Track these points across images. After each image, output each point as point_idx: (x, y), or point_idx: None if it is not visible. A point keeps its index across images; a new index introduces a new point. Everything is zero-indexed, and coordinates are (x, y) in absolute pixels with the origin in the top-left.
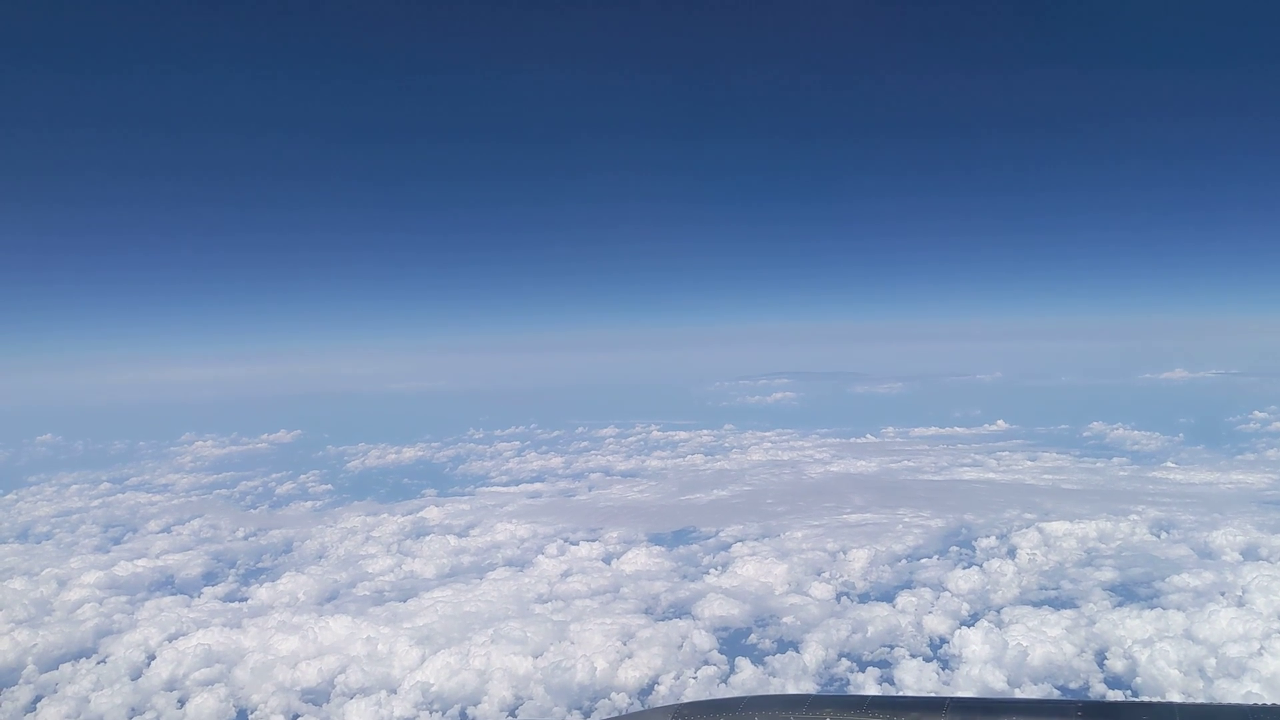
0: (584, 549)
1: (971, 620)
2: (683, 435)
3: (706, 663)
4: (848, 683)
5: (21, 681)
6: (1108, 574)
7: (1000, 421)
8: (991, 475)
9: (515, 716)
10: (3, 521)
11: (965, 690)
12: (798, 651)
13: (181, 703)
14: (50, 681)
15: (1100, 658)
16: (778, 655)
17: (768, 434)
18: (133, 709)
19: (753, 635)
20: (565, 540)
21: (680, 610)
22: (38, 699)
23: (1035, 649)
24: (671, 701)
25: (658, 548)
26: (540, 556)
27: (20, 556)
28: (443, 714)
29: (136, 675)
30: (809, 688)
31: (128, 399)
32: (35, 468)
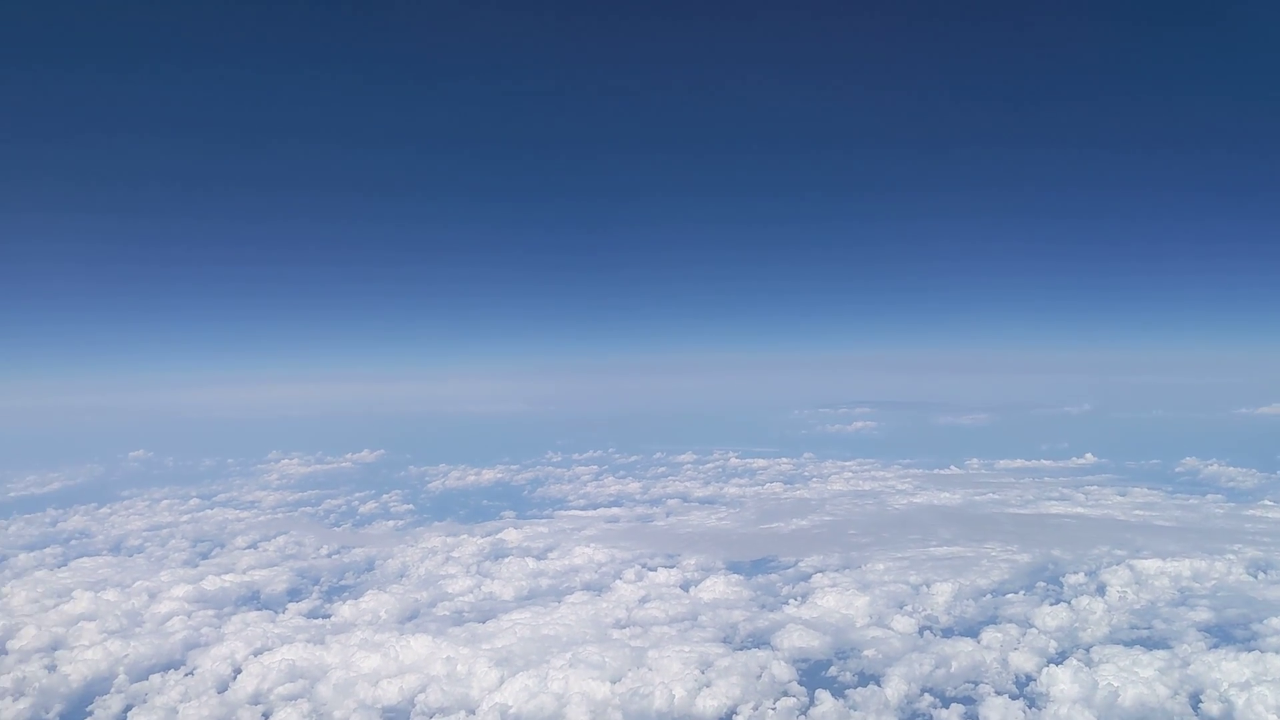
0: (662, 575)
1: (1059, 658)
2: (761, 463)
3: (786, 694)
4: (930, 719)
5: (113, 690)
6: (1203, 614)
7: (1089, 455)
8: (1080, 510)
9: None
10: (97, 534)
11: None
12: (879, 685)
13: (266, 716)
14: (140, 691)
15: (1195, 701)
16: (859, 689)
17: (848, 463)
18: None
19: (833, 667)
20: (643, 566)
21: (759, 640)
22: (128, 708)
23: (1126, 690)
24: None
25: (736, 576)
26: (618, 581)
27: (113, 568)
28: None
29: (223, 688)
30: None
31: (217, 417)
32: (128, 482)
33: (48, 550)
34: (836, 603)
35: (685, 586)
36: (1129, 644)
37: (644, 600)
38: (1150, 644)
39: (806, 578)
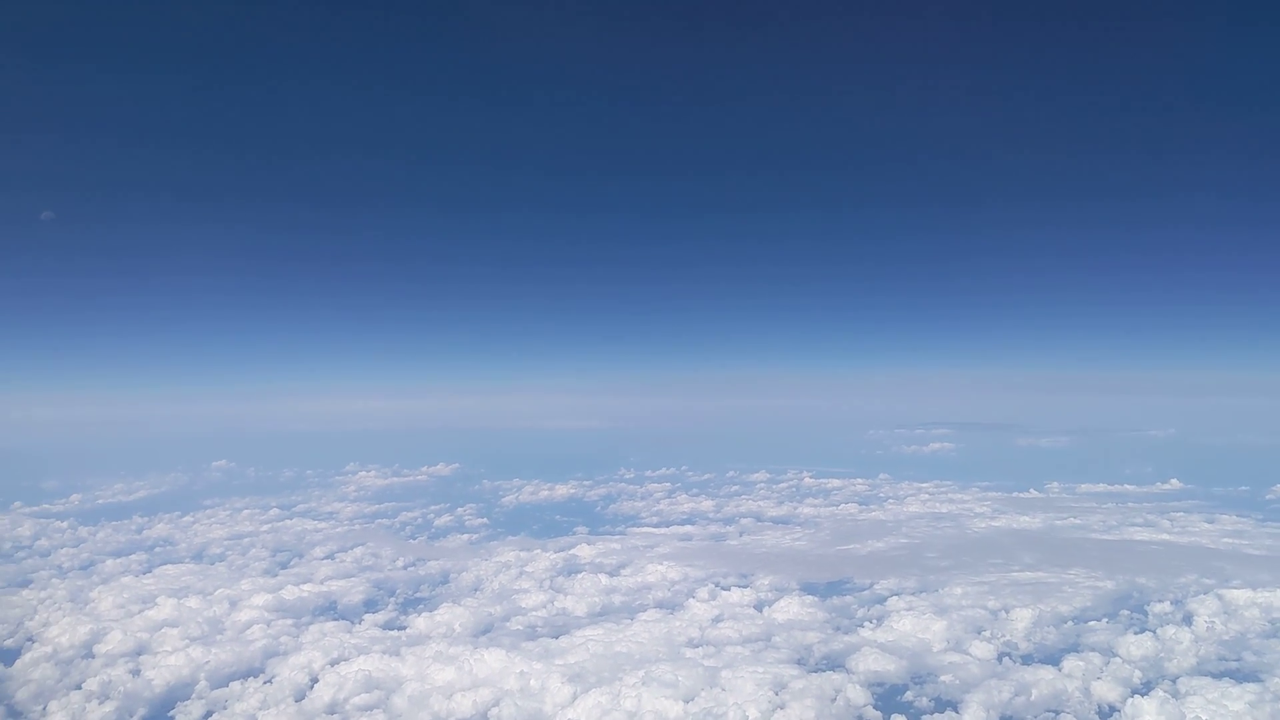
0: (735, 595)
1: (1144, 689)
2: (836, 483)
3: (861, 718)
4: None
5: (194, 696)
6: None
7: (1174, 480)
8: (1165, 536)
9: None
10: (180, 542)
11: None
12: (956, 711)
13: None
14: (220, 698)
15: None
16: (935, 715)
17: (925, 485)
18: None
19: (909, 692)
20: (716, 585)
21: (834, 663)
22: (208, 714)
23: None
24: None
25: (810, 597)
26: (691, 600)
27: (195, 576)
28: None
29: (300, 697)
30: None
31: (296, 429)
32: (211, 492)
33: (133, 557)
34: (913, 626)
35: (759, 607)
36: (1217, 676)
37: (717, 619)
38: (1240, 676)
39: (882, 600)
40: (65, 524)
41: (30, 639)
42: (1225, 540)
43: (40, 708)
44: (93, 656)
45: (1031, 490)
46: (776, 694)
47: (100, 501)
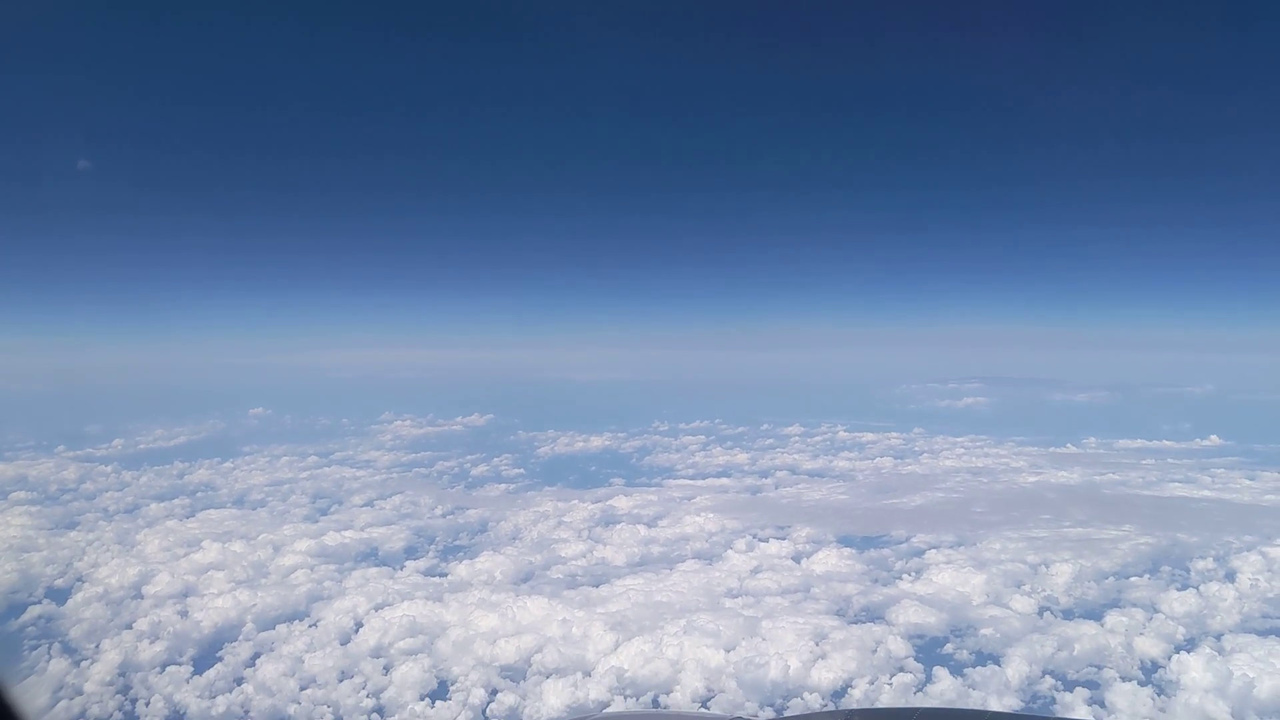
0: (773, 546)
1: (1188, 646)
2: (870, 437)
3: (902, 669)
4: (1054, 701)
5: (241, 638)
6: None
7: (1214, 437)
8: (1206, 493)
9: (708, 708)
10: (221, 488)
11: None
12: (999, 665)
13: (387, 670)
14: (267, 640)
15: None
16: (977, 668)
17: (960, 439)
18: (342, 672)
19: (949, 645)
20: (754, 536)
21: (873, 615)
22: (256, 655)
23: (1263, 681)
24: (866, 706)
25: (848, 549)
26: (729, 551)
27: (238, 521)
28: (636, 700)
29: (345, 640)
30: (1013, 704)
31: (331, 378)
32: (249, 439)
33: (176, 501)
34: (951, 580)
35: (796, 558)
36: (1263, 633)
37: (756, 570)
38: None
39: (920, 554)
40: (109, 468)
41: (80, 579)
42: (1267, 497)
43: (94, 645)
44: (142, 597)
45: (1069, 445)
46: (817, 644)
47: (142, 447)
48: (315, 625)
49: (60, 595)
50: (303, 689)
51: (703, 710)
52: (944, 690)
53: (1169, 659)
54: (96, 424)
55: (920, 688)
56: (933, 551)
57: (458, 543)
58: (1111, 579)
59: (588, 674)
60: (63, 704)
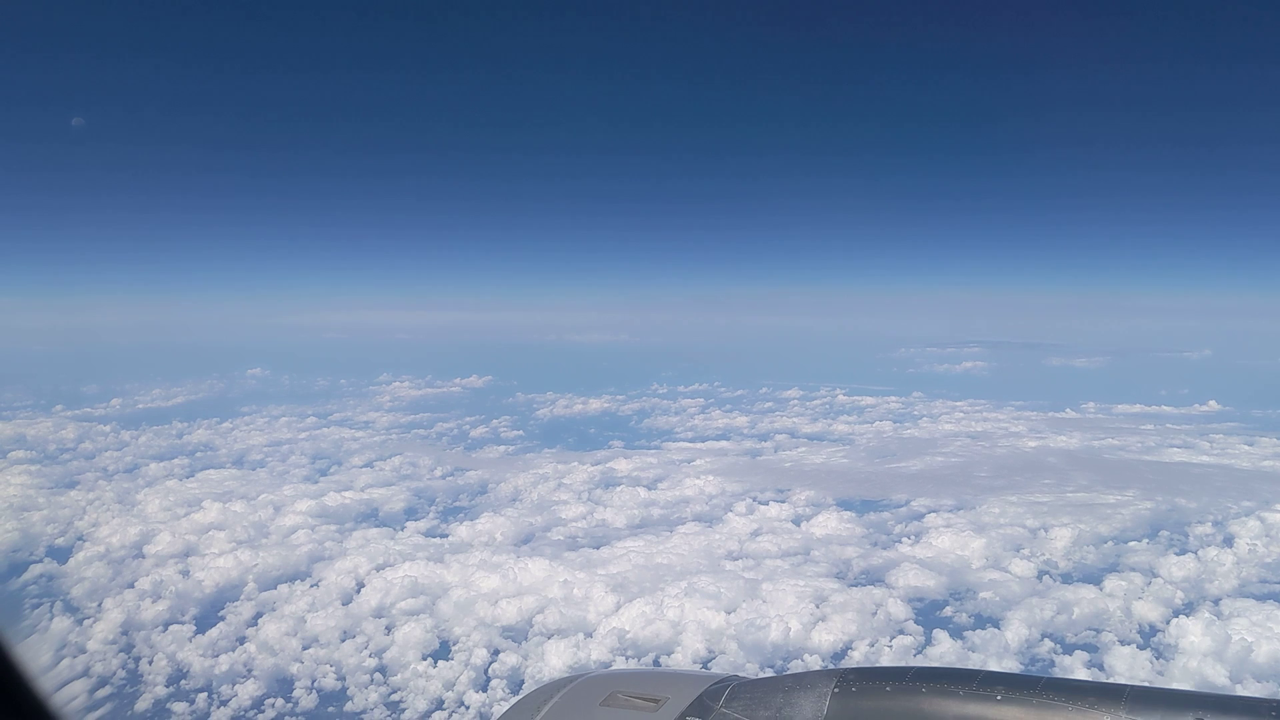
0: (773, 509)
1: (1187, 610)
2: (869, 400)
3: (902, 632)
4: (1052, 664)
5: (243, 598)
6: None
7: (1212, 402)
8: (1204, 458)
9: (709, 669)
10: (220, 448)
11: (1182, 684)
12: (998, 628)
13: (389, 629)
14: (269, 600)
15: None
16: (977, 631)
17: (959, 404)
18: (345, 632)
19: (948, 608)
20: (754, 499)
21: (873, 577)
22: (258, 615)
23: (1261, 645)
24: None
25: (847, 513)
26: (729, 514)
27: (237, 481)
28: (638, 660)
29: (347, 601)
30: (1012, 666)
31: (329, 339)
32: (247, 399)
33: (176, 461)
34: (951, 543)
35: (796, 521)
36: (1261, 598)
37: (756, 533)
38: None
39: (919, 517)
40: (108, 428)
41: (81, 538)
42: (1266, 463)
43: (95, 604)
44: (143, 557)
45: (1067, 410)
46: (818, 607)
47: (140, 406)
48: (317, 585)
49: (61, 554)
50: (305, 648)
51: (704, 670)
52: (943, 653)
53: (1167, 623)
54: (94, 383)
55: (920, 650)
56: (932, 515)
57: (458, 504)
58: (1110, 543)
59: (589, 635)
60: (66, 662)
